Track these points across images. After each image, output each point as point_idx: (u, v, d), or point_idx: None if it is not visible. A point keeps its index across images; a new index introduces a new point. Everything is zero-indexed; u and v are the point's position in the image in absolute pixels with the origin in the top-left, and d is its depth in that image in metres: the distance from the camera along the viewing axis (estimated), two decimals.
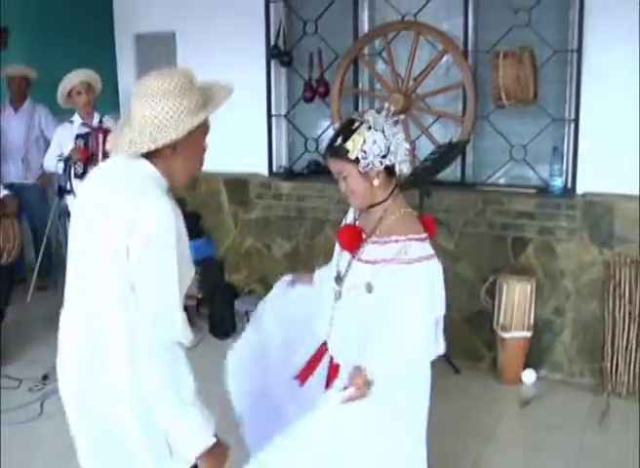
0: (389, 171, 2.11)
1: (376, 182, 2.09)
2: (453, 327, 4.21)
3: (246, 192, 4.92)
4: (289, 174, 4.84)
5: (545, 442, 3.43)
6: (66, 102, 4.80)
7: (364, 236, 2.18)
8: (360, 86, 4.62)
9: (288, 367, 2.40)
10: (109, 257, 1.72)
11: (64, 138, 4.64)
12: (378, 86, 4.60)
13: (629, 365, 3.82)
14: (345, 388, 2.07)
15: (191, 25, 4.99)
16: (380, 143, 2.05)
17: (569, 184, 4.04)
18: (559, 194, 3.97)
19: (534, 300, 3.96)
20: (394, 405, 2.12)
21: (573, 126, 3.99)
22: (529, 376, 4.03)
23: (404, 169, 2.12)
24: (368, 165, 2.05)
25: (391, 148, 2.06)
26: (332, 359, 2.28)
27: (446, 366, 4.08)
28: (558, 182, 3.96)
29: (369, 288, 2.10)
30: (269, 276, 4.95)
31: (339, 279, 2.25)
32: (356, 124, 2.08)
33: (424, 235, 2.11)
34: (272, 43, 4.74)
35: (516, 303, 3.92)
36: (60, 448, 3.39)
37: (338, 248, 2.34)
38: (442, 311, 2.13)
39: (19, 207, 4.79)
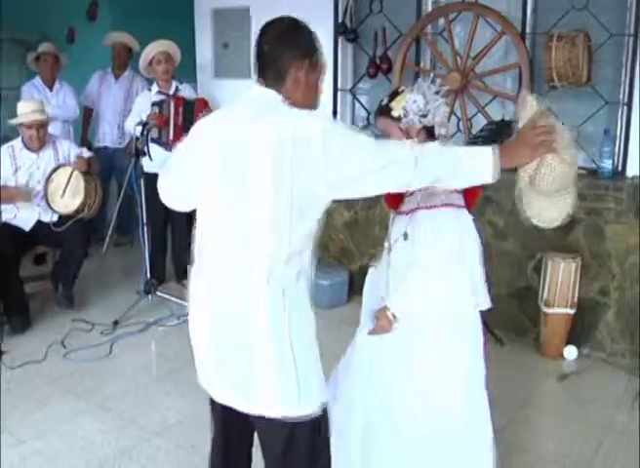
0: (430, 132, 2.34)
1: (416, 140, 2.28)
2: (499, 301, 4.35)
3: None
4: None
5: (575, 414, 3.53)
6: (147, 71, 5.15)
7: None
8: (422, 64, 4.74)
9: None
10: (269, 177, 1.78)
11: (143, 105, 4.97)
12: (438, 64, 4.72)
13: None
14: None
15: (265, 1, 5.19)
16: (419, 103, 2.30)
17: (619, 167, 4.08)
18: (609, 176, 4.01)
19: (578, 279, 4.04)
20: (433, 339, 2.34)
21: (626, 109, 4.02)
22: (570, 352, 4.12)
23: (443, 131, 2.36)
24: (408, 122, 2.30)
25: (430, 109, 2.30)
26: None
27: (490, 338, 4.24)
28: (608, 165, 4.00)
29: (405, 236, 2.36)
30: (329, 242, 5.20)
31: (388, 237, 2.50)
32: (401, 89, 2.37)
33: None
34: (340, 20, 4.92)
35: (560, 281, 4.02)
36: (123, 384, 3.81)
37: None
38: (475, 263, 2.31)
39: (104, 167, 5.19)
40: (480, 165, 1.90)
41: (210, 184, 1.92)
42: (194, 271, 2.00)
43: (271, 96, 1.90)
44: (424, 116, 2.30)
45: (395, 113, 2.31)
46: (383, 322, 2.33)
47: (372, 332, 2.38)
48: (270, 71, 1.91)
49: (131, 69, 6.05)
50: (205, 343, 1.97)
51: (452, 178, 1.93)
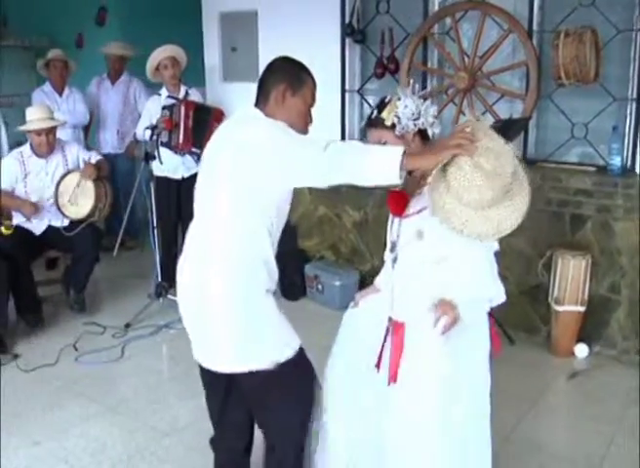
0: (423, 135, 2.35)
1: (412, 145, 2.32)
2: (510, 299, 4.32)
3: None
4: None
5: (586, 412, 3.54)
6: (154, 76, 5.17)
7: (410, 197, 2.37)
8: (429, 64, 4.75)
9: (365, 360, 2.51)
10: (226, 175, 2.18)
11: (153, 109, 5.00)
12: (446, 63, 4.72)
13: None
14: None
15: (272, 5, 5.23)
16: (410, 107, 2.30)
17: (628, 164, 4.07)
18: (618, 173, 3.99)
19: (588, 276, 4.03)
20: (466, 336, 2.32)
21: (634, 105, 4.00)
22: (581, 350, 4.12)
23: (436, 130, 2.37)
24: (403, 128, 2.31)
25: (422, 111, 2.31)
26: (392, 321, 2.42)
27: (501, 336, 4.22)
28: (617, 161, 3.98)
29: (420, 235, 2.31)
30: (339, 243, 5.21)
31: (393, 246, 2.43)
32: (388, 98, 2.37)
33: None
34: (347, 22, 4.92)
35: (570, 278, 4.01)
36: (135, 386, 3.84)
37: (389, 221, 2.50)
38: (493, 248, 2.34)
39: (110, 171, 5.22)
40: (387, 164, 2.02)
41: (199, 181, 2.37)
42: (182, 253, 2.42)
43: (254, 112, 2.32)
44: (417, 119, 2.31)
45: (388, 122, 2.32)
46: (452, 312, 2.25)
47: (446, 328, 2.25)
48: (260, 95, 2.35)
49: (127, 73, 6.11)
50: (183, 312, 2.38)
51: (361, 175, 2.08)
